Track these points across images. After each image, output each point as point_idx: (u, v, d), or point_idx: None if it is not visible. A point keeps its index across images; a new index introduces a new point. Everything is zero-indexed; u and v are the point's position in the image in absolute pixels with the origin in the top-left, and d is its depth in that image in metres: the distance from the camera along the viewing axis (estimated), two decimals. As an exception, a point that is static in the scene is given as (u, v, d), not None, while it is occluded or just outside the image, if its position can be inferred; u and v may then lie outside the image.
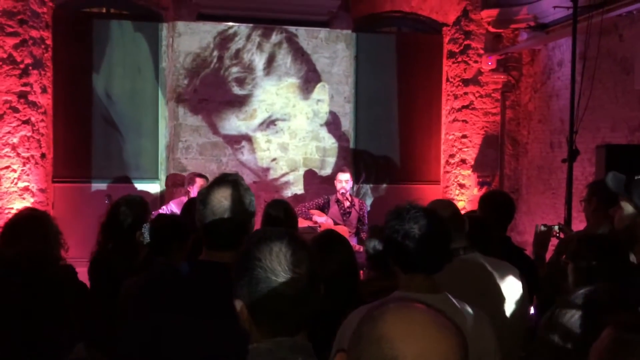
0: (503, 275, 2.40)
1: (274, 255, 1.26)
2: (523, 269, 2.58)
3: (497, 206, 3.19)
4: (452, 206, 2.49)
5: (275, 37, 6.79)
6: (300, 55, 6.86)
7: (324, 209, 5.83)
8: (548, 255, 3.53)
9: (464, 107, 7.26)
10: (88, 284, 2.99)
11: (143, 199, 3.24)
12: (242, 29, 6.72)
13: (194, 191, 5.44)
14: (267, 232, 1.33)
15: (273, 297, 1.25)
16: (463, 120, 7.26)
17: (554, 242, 3.55)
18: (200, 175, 5.72)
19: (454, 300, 1.86)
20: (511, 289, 2.40)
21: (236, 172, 1.99)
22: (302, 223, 5.19)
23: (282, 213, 3.29)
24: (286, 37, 6.82)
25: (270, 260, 1.26)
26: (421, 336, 0.97)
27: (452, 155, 7.33)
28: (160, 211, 5.46)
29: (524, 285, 2.45)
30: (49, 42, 6.39)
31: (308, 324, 1.31)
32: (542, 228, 3.45)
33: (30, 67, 6.12)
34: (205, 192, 1.82)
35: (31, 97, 6.15)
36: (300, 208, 5.65)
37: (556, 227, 3.53)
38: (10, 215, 3.06)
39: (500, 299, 2.35)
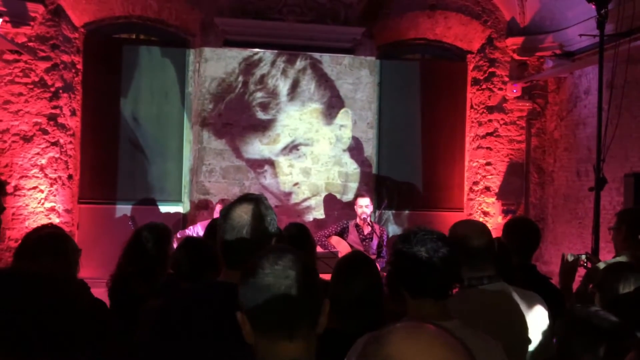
0: (529, 305, 2.33)
1: (266, 274, 1.31)
2: (549, 299, 2.50)
3: (522, 233, 3.10)
4: (486, 233, 2.30)
5: (299, 63, 6.87)
6: (324, 81, 6.91)
7: (342, 234, 5.76)
8: (575, 286, 3.43)
9: (488, 134, 7.21)
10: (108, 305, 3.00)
11: (166, 226, 3.31)
12: (267, 55, 6.81)
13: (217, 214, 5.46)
14: (271, 252, 1.37)
15: (264, 310, 1.30)
16: (487, 148, 7.21)
17: (581, 272, 3.46)
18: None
19: (465, 328, 1.79)
20: (537, 319, 2.33)
21: (261, 193, 2.05)
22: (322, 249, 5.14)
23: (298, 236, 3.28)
24: (310, 63, 6.89)
25: (263, 278, 1.31)
26: (428, 356, 0.94)
27: (475, 183, 7.25)
28: (187, 231, 5.52)
29: (550, 315, 2.37)
30: (79, 66, 6.56)
31: (310, 333, 1.32)
32: (569, 257, 3.36)
33: (60, 91, 6.28)
34: (227, 208, 1.84)
35: (60, 120, 6.29)
36: (319, 237, 5.55)
37: (583, 257, 3.44)
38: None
39: (525, 329, 2.28)
